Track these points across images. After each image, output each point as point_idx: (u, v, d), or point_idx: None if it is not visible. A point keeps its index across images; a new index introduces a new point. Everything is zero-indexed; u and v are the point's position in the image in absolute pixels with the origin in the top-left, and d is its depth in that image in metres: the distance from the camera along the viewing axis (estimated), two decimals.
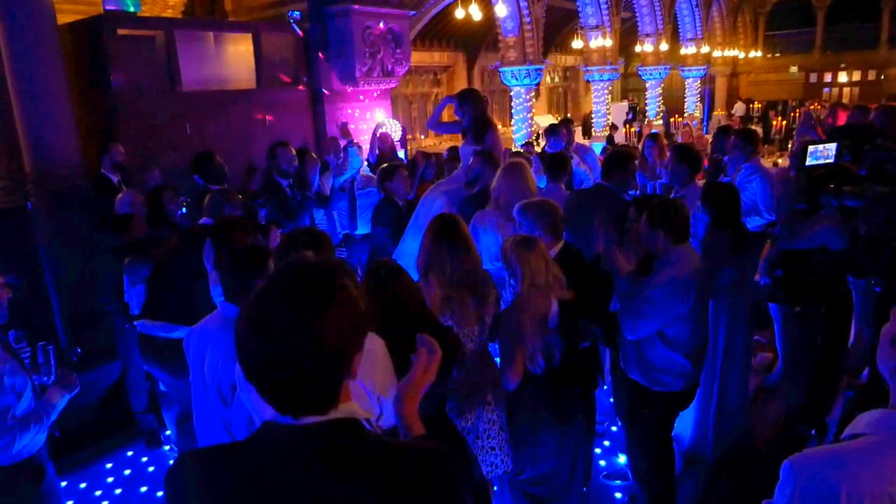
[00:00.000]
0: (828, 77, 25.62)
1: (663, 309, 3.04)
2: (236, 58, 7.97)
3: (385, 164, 5.25)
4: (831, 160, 2.24)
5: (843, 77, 25.33)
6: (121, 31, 6.65)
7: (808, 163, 2.23)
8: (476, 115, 4.77)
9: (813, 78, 25.81)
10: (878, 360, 1.50)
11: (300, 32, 8.15)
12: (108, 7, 6.65)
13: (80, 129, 6.55)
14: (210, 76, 7.60)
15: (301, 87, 8.33)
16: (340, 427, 1.15)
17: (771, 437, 4.15)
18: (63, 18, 6.68)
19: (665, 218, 3.11)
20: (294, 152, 5.62)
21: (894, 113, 4.94)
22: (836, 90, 25.53)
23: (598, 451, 4.14)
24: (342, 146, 6.46)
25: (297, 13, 8.19)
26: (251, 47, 7.87)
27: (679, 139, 12.79)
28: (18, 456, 2.65)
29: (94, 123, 6.81)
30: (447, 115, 5.32)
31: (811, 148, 2.25)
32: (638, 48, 18.41)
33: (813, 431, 4.03)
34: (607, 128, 16.61)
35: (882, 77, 24.26)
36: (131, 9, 6.82)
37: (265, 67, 7.93)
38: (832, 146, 2.21)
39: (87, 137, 6.65)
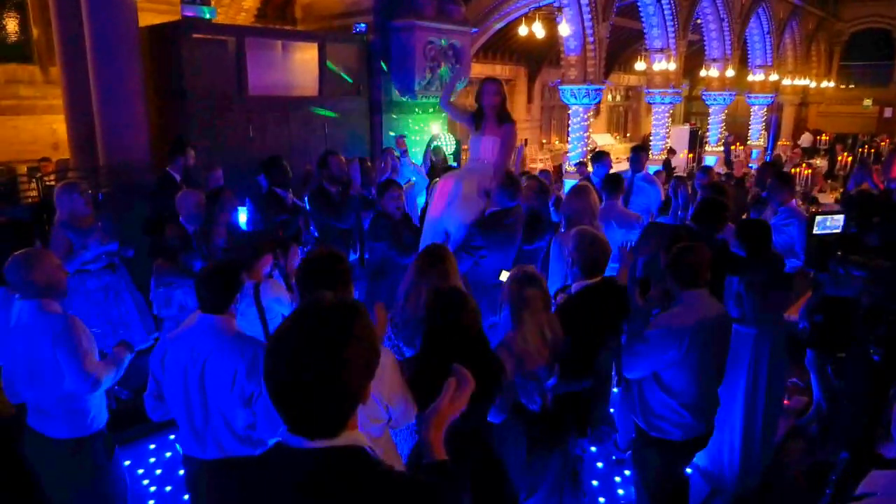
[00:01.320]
0: None
1: (654, 352, 3.06)
2: (301, 65, 8.28)
3: (384, 180, 5.36)
4: (839, 230, 2.27)
5: None
6: (196, 36, 7.02)
7: (815, 231, 2.27)
8: (497, 105, 4.60)
9: (888, 112, 24.84)
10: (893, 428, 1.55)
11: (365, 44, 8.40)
12: (186, 13, 7.03)
13: (153, 129, 6.95)
14: (275, 82, 7.93)
15: (361, 97, 8.58)
16: (346, 454, 1.29)
17: (798, 477, 4.11)
18: (143, 17, 7.10)
19: (675, 261, 3.15)
20: (344, 160, 5.81)
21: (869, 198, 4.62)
22: None
23: (617, 479, 4.18)
24: (397, 156, 6.63)
25: (364, 25, 8.46)
26: (316, 56, 8.17)
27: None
28: (91, 426, 3.00)
29: (166, 123, 7.20)
30: (461, 104, 5.19)
31: (819, 218, 2.29)
32: (703, 73, 18.13)
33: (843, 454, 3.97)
34: (665, 151, 16.42)
35: None
36: (207, 16, 7.19)
37: (328, 76, 8.21)
38: (840, 217, 2.25)
39: (159, 136, 7.04)
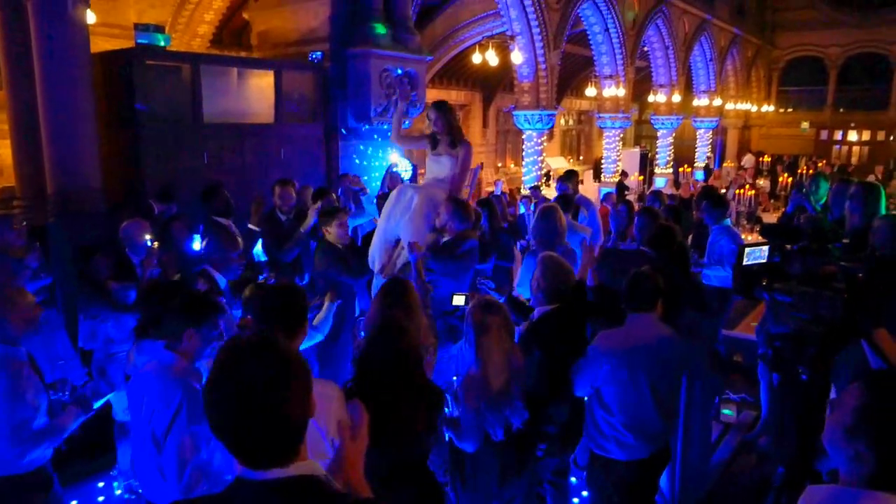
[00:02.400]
0: (838, 135, 25.89)
1: (591, 367, 3.18)
2: (257, 92, 8.29)
3: (327, 208, 5.44)
4: (764, 260, 2.46)
5: (853, 136, 25.59)
6: (150, 62, 6.98)
7: (745, 263, 2.45)
8: (450, 123, 4.81)
9: (824, 135, 26.09)
10: (826, 444, 1.66)
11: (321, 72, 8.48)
12: (140, 40, 6.98)
13: (104, 156, 6.84)
14: (231, 109, 7.91)
15: (317, 124, 8.62)
16: (302, 484, 1.35)
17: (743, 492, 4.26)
18: (96, 42, 7.03)
19: (629, 285, 3.28)
20: (293, 192, 5.87)
21: (872, 191, 4.79)
22: (845, 148, 25.78)
23: (575, 500, 4.26)
24: (356, 192, 6.67)
25: (320, 53, 8.53)
26: (272, 82, 8.19)
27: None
28: (30, 465, 2.85)
29: (119, 150, 7.11)
30: (411, 132, 5.42)
31: (748, 249, 2.48)
32: (651, 98, 18.77)
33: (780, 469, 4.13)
34: (617, 174, 16.89)
35: (891, 138, 24.50)
36: (161, 43, 7.16)
37: (284, 103, 8.24)
38: (765, 248, 2.44)
39: (111, 164, 6.94)
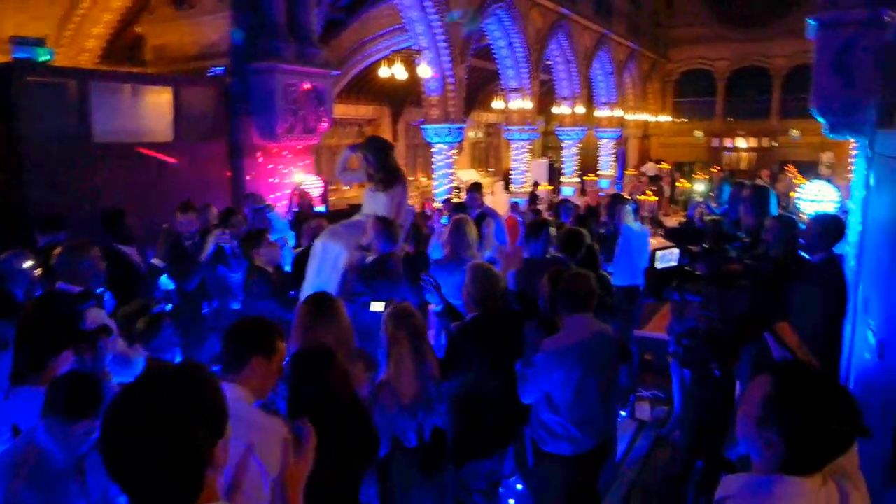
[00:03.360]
0: (728, 142, 27.59)
1: (542, 374, 3.22)
2: (154, 110, 7.88)
3: (250, 231, 5.29)
4: (675, 262, 2.53)
5: (741, 143, 27.35)
6: (31, 79, 6.49)
7: (657, 266, 2.50)
8: (384, 163, 4.79)
9: (715, 143, 27.73)
10: (739, 436, 1.69)
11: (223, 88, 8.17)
12: (17, 55, 6.49)
13: None
14: (125, 128, 7.48)
15: (220, 142, 8.29)
16: None
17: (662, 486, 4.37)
18: None
19: (565, 289, 3.34)
20: (195, 216, 5.60)
21: (762, 194, 5.19)
22: (735, 154, 27.52)
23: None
24: (261, 209, 6.42)
25: (221, 68, 8.23)
26: (170, 99, 7.81)
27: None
28: None
29: (1, 173, 6.55)
30: (356, 163, 5.36)
31: (660, 253, 2.54)
32: (555, 109, 19.34)
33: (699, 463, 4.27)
34: (527, 184, 17.26)
35: (775, 144, 26.38)
36: (43, 57, 6.68)
37: (183, 121, 7.88)
38: (676, 251, 2.51)
39: None
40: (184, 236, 5.50)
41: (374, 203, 4.79)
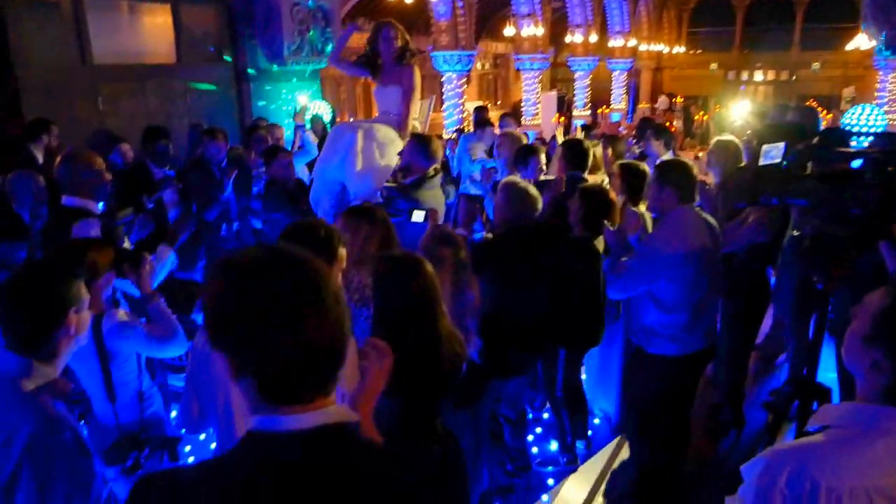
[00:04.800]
0: (745, 75, 26.77)
1: (648, 271, 3.02)
2: (154, 29, 7.51)
3: (269, 146, 5.03)
4: (779, 160, 2.23)
5: (758, 76, 26.54)
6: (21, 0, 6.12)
7: (762, 163, 2.21)
8: (393, 48, 4.29)
9: (731, 75, 26.92)
10: (845, 357, 1.50)
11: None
12: None
13: None
14: (125, 49, 7.13)
15: (225, 65, 7.93)
16: (333, 432, 1.07)
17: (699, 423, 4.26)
18: None
19: (665, 176, 3.14)
20: (223, 143, 5.41)
21: (810, 113, 5.10)
22: (751, 88, 26.73)
23: (530, 438, 4.14)
24: (295, 128, 6.11)
25: None
26: (170, 19, 7.42)
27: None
28: None
29: None
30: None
31: (765, 148, 2.23)
32: (568, 38, 18.64)
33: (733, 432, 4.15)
34: (537, 116, 16.78)
35: (794, 78, 25.58)
36: None
37: (186, 41, 7.50)
38: (781, 146, 2.20)
39: None
40: (212, 163, 5.27)
41: (383, 98, 4.38)
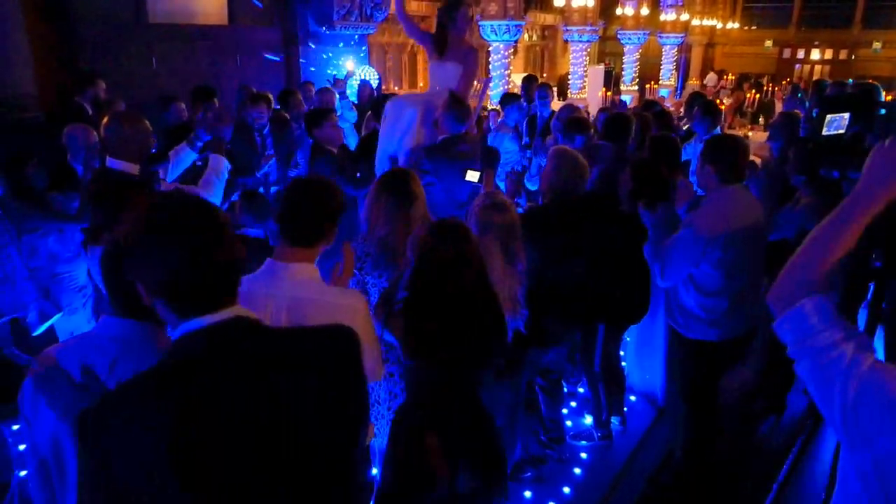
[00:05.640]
0: (800, 53, 25.76)
1: (689, 254, 2.96)
2: None
3: (313, 109, 5.02)
4: (843, 131, 2.12)
5: (815, 54, 25.51)
6: None
7: (824, 132, 2.12)
8: (462, 29, 4.30)
9: (786, 53, 25.93)
10: None
11: None
12: None
13: (38, 60, 6.17)
14: (179, 8, 7.22)
15: (275, 28, 7.97)
16: (239, 322, 1.27)
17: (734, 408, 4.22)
18: None
19: (713, 152, 3.05)
20: (265, 108, 5.39)
21: (871, 90, 4.94)
22: (807, 67, 25.74)
23: (564, 411, 4.17)
24: (336, 95, 6.15)
25: None
26: None
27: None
28: None
29: (54, 54, 6.41)
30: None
31: (829, 118, 2.13)
32: (619, 10, 18.18)
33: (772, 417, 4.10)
34: (584, 90, 16.48)
35: (853, 57, 24.51)
36: None
37: (237, 3, 7.56)
38: (846, 116, 2.09)
39: (46, 68, 6.28)
40: (254, 128, 5.32)
41: (442, 74, 4.37)
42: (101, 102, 5.62)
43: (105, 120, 3.30)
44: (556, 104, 15.71)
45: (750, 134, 12.10)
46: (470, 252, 2.24)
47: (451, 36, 4.30)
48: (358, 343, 1.38)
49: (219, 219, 1.27)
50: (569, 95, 17.01)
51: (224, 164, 3.27)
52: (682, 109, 9.57)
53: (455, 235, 2.24)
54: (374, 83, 8.19)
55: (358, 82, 7.13)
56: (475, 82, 4.58)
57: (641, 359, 4.44)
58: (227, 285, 1.28)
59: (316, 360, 1.31)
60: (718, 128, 5.64)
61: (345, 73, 6.24)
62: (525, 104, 6.92)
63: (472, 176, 3.56)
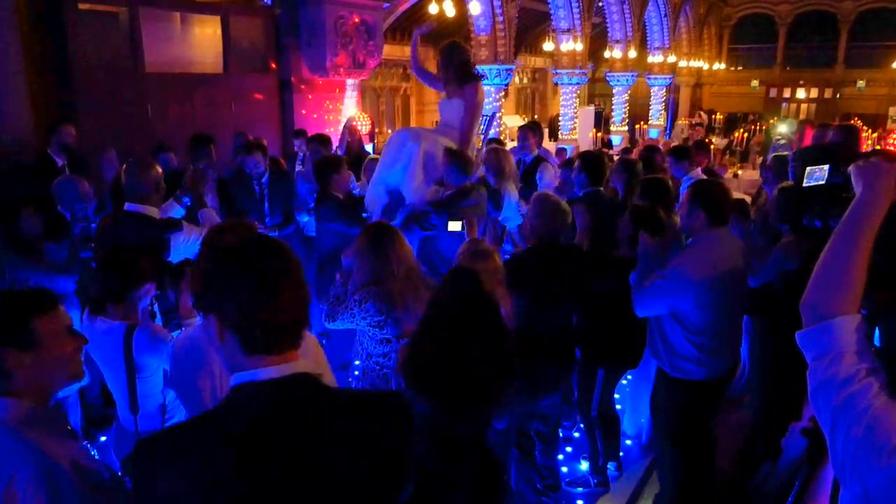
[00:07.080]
0: (787, 93, 26.31)
1: (676, 292, 3.02)
2: (203, 40, 7.74)
3: (325, 158, 5.11)
4: (823, 181, 2.17)
5: (801, 93, 26.06)
6: (82, 6, 6.37)
7: (805, 184, 2.17)
8: (457, 63, 4.42)
9: (773, 93, 26.49)
10: None
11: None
12: None
13: (36, 109, 6.26)
14: (175, 58, 7.36)
15: (269, 75, 8.12)
16: (302, 379, 1.30)
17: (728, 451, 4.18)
18: None
19: (701, 197, 3.11)
20: (260, 156, 5.39)
21: (851, 132, 5.02)
22: (793, 106, 26.26)
23: (560, 457, 4.13)
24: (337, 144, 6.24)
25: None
26: (219, 30, 7.64)
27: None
28: None
29: (53, 102, 6.50)
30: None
31: (809, 169, 2.18)
32: (607, 53, 18.59)
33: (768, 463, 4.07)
34: (574, 131, 16.74)
35: (838, 95, 25.05)
36: None
37: (233, 52, 7.71)
38: (826, 168, 2.14)
39: (45, 117, 6.35)
40: (252, 177, 5.34)
41: (448, 110, 4.49)
42: (73, 150, 5.49)
43: (123, 169, 3.41)
44: (550, 145, 15.92)
45: (739, 172, 12.29)
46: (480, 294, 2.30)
47: (448, 76, 4.44)
48: (409, 407, 1.45)
49: (293, 256, 1.33)
50: (560, 136, 17.27)
51: (217, 219, 3.33)
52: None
53: (469, 280, 2.30)
54: (366, 128, 8.31)
55: (348, 126, 7.23)
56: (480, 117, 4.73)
57: (633, 401, 4.42)
58: (295, 327, 1.31)
59: (372, 429, 1.35)
60: (699, 169, 5.76)
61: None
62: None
63: (455, 226, 3.62)
